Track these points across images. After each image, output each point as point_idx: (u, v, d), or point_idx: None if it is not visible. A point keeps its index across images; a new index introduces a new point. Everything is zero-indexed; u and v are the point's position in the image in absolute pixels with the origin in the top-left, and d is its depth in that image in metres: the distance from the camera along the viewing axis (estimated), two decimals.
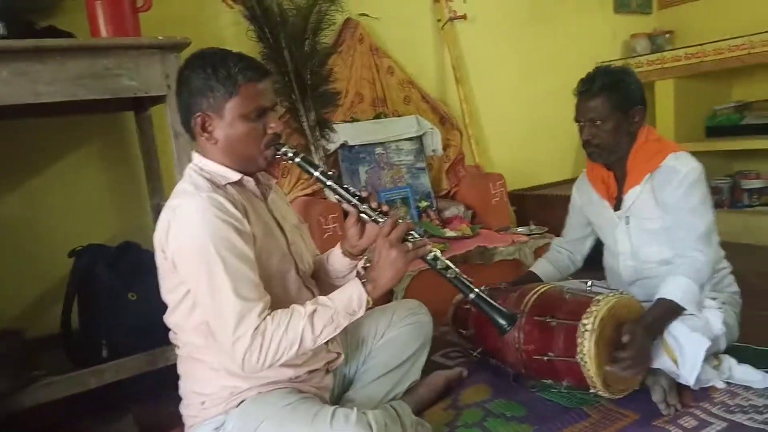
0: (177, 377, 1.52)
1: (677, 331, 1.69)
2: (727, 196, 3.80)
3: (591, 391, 1.67)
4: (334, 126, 2.93)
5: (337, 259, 1.61)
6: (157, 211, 2.29)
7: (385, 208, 1.45)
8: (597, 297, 1.68)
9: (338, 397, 1.68)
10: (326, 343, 1.45)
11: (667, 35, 4.25)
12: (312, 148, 2.85)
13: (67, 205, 2.41)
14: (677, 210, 1.82)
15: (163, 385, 1.76)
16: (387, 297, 2.35)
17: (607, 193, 2.00)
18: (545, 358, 1.70)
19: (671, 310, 1.71)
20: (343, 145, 2.98)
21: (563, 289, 1.81)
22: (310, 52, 2.82)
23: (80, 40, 1.88)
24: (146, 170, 2.42)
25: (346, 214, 1.54)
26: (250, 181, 1.46)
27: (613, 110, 1.86)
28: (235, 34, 2.78)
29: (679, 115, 3.88)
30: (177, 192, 1.40)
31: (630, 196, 1.92)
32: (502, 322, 1.44)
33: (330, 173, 1.47)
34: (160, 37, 1.85)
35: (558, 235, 2.33)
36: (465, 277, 1.44)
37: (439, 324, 2.01)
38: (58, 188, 2.39)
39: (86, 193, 2.46)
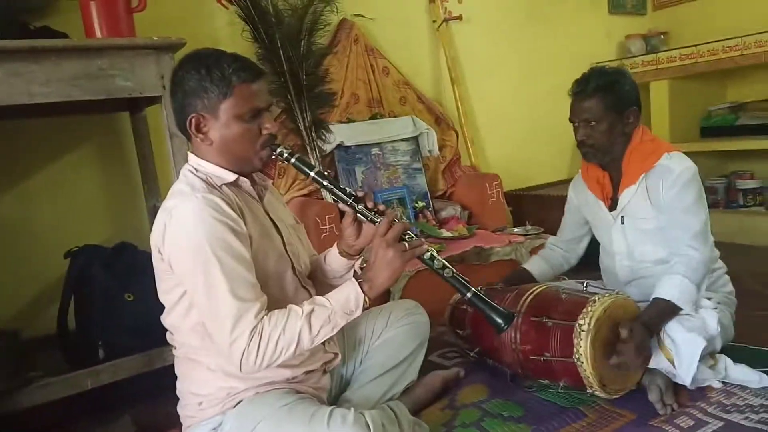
0: (174, 378, 1.51)
1: (673, 331, 1.70)
2: (722, 197, 3.81)
3: (588, 391, 1.67)
4: (330, 127, 2.93)
5: (334, 259, 1.61)
6: (153, 211, 2.30)
7: (381, 207, 1.45)
8: (593, 297, 1.68)
9: (336, 397, 1.68)
10: (323, 343, 1.45)
11: (661, 36, 4.26)
12: (308, 148, 2.85)
13: (62, 205, 2.40)
14: (671, 209, 1.83)
15: (160, 386, 1.76)
16: (384, 297, 2.35)
17: (602, 194, 2.00)
18: (542, 358, 1.70)
19: (667, 310, 1.72)
20: (339, 146, 2.98)
21: (559, 289, 1.82)
22: (306, 53, 2.82)
23: (75, 40, 1.88)
24: (142, 171, 2.41)
25: (342, 214, 1.54)
26: (245, 182, 1.46)
27: (607, 111, 1.87)
28: (230, 34, 2.78)
29: (674, 116, 3.89)
30: (173, 193, 1.40)
31: (625, 196, 1.93)
32: (499, 320, 1.44)
33: (326, 173, 1.47)
34: (155, 38, 1.85)
35: (554, 235, 2.34)
36: (462, 276, 1.44)
37: (436, 324, 2.01)
38: (54, 189, 2.38)
39: (82, 193, 2.46)
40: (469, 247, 2.79)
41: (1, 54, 1.64)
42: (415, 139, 3.23)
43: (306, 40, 2.82)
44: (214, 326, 1.32)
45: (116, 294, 2.00)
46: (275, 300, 1.38)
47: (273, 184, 1.61)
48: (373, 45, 3.23)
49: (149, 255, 1.41)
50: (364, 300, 1.38)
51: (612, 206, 1.99)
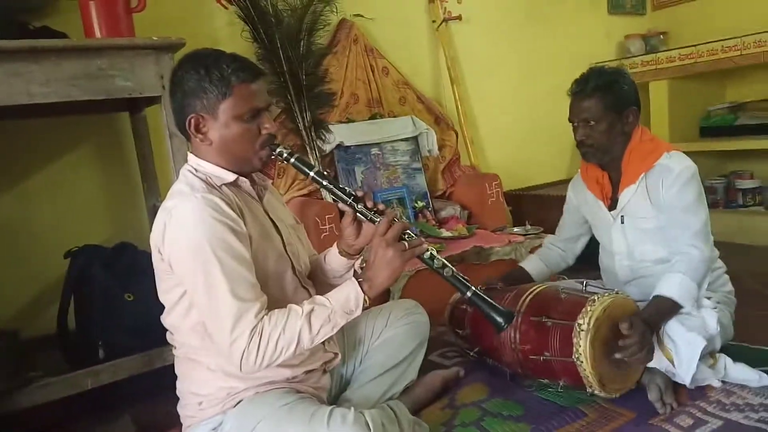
0: (174, 377, 1.51)
1: (673, 330, 1.70)
2: (721, 197, 3.81)
3: (587, 390, 1.67)
4: (330, 127, 2.94)
5: (334, 259, 1.61)
6: (152, 211, 2.29)
7: (381, 207, 1.45)
8: (592, 297, 1.68)
9: (335, 397, 1.68)
10: (323, 343, 1.45)
11: (661, 36, 4.26)
12: (308, 148, 2.85)
13: (62, 205, 2.40)
14: (671, 208, 1.83)
15: (160, 386, 1.76)
16: (384, 297, 2.35)
17: (602, 194, 2.00)
18: (541, 358, 1.70)
19: (667, 307, 1.72)
20: (339, 146, 2.98)
21: (559, 289, 1.82)
22: (305, 53, 2.82)
23: (74, 40, 1.88)
24: (142, 171, 2.41)
25: (342, 214, 1.54)
26: (245, 182, 1.46)
27: (606, 111, 1.87)
28: (229, 34, 2.78)
29: (673, 116, 3.90)
30: (172, 193, 1.40)
31: (625, 196, 1.93)
32: (499, 319, 1.44)
33: (325, 173, 1.47)
34: (154, 38, 1.85)
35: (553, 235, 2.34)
36: (461, 275, 1.44)
37: (435, 324, 2.01)
38: (54, 189, 2.39)
39: (82, 193, 2.46)
40: (469, 247, 2.79)
41: (1, 54, 1.64)
42: (415, 139, 3.23)
43: (305, 40, 2.82)
44: (214, 326, 1.32)
45: (116, 294, 2.00)
46: (275, 300, 1.38)
47: (273, 184, 1.61)
48: (373, 45, 3.23)
49: (149, 255, 1.42)
50: (364, 299, 1.38)
51: (612, 206, 1.99)
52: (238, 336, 1.28)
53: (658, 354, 1.69)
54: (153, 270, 1.42)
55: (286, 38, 2.75)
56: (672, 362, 1.68)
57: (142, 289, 1.94)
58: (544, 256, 2.24)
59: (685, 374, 1.66)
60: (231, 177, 1.42)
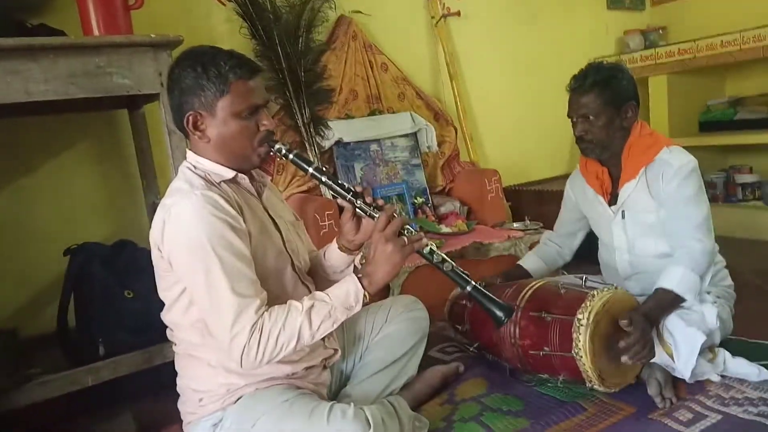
0: (174, 374, 1.52)
1: (673, 325, 1.70)
2: (721, 191, 3.81)
3: (587, 385, 1.67)
4: (329, 123, 2.93)
5: (334, 255, 1.61)
6: (152, 209, 2.30)
7: (380, 202, 1.45)
8: (592, 292, 1.68)
9: (336, 393, 1.69)
10: (323, 339, 1.46)
11: (660, 31, 4.26)
12: (307, 145, 2.85)
13: (61, 203, 2.40)
14: (673, 202, 1.83)
15: (160, 383, 1.76)
16: (384, 293, 2.35)
17: (602, 189, 2.00)
18: (541, 353, 1.70)
19: (669, 300, 1.72)
20: (338, 142, 2.97)
21: (558, 284, 1.82)
22: (304, 49, 2.82)
23: (72, 38, 1.87)
24: (141, 168, 2.41)
25: (341, 210, 1.54)
26: (244, 179, 1.46)
27: (605, 106, 1.87)
28: (228, 31, 2.77)
29: (672, 111, 3.90)
30: (171, 190, 1.40)
31: (625, 191, 1.93)
32: (499, 313, 1.44)
33: (324, 169, 1.47)
34: (152, 35, 1.85)
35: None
36: (461, 269, 1.44)
37: (435, 319, 2.01)
38: (53, 187, 2.38)
39: (81, 191, 2.45)
40: (468, 243, 2.79)
41: None
42: (414, 135, 3.22)
43: (304, 36, 2.82)
44: (214, 323, 1.32)
45: (116, 291, 2.00)
46: (275, 297, 1.38)
47: (272, 180, 1.61)
48: (372, 41, 3.22)
49: (149, 252, 1.42)
50: (364, 295, 1.38)
51: (611, 201, 1.99)
52: (239, 332, 1.28)
53: (657, 349, 1.70)
54: (152, 267, 1.43)
55: (285, 35, 2.74)
56: (671, 357, 1.68)
57: (142, 286, 1.94)
58: (542, 253, 2.24)
59: (684, 369, 1.66)
60: (230, 174, 1.42)
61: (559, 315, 1.69)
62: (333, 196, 1.52)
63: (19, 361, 1.93)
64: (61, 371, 1.82)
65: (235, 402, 1.42)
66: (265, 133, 1.42)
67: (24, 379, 1.77)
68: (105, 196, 2.52)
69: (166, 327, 1.50)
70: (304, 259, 1.59)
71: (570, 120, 1.95)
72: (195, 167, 1.42)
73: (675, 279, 1.72)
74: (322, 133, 2.90)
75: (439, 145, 3.32)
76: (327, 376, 1.59)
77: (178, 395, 1.51)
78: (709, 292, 1.85)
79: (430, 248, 1.43)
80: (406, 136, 3.20)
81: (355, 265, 1.62)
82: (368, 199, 1.45)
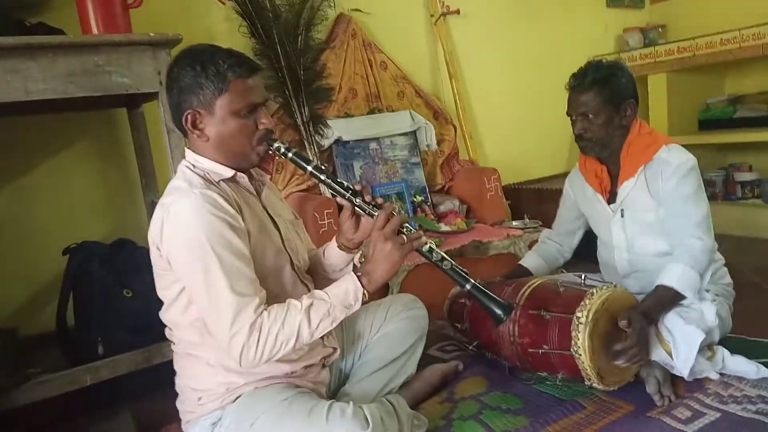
0: (173, 373, 1.52)
1: (672, 323, 1.70)
2: (720, 189, 3.82)
3: (586, 383, 1.68)
4: (328, 122, 2.93)
5: (333, 254, 1.61)
6: (151, 208, 2.29)
7: (379, 201, 1.45)
8: (591, 290, 1.68)
9: (335, 391, 1.69)
10: (322, 337, 1.46)
11: (659, 29, 4.26)
12: (306, 143, 2.85)
13: (60, 202, 2.40)
14: (672, 200, 1.83)
15: (159, 382, 1.76)
16: (383, 291, 2.35)
17: (601, 187, 2.00)
18: (540, 351, 1.70)
19: (668, 297, 1.72)
20: (338, 141, 2.98)
21: (557, 282, 1.82)
22: (303, 48, 2.82)
23: (71, 37, 1.87)
24: (139, 167, 2.41)
25: (341, 208, 1.54)
26: (243, 178, 1.46)
27: (604, 104, 1.87)
28: (227, 29, 2.77)
29: (672, 109, 3.90)
30: (170, 189, 1.40)
31: (624, 189, 1.93)
32: (498, 311, 1.44)
33: (323, 168, 1.47)
34: (151, 34, 1.84)
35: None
36: (460, 268, 1.44)
37: (434, 318, 2.01)
38: (51, 186, 2.38)
39: (79, 190, 2.45)
40: (468, 241, 2.79)
41: None
42: (414, 134, 3.23)
43: (303, 35, 2.82)
44: (213, 322, 1.32)
45: (115, 290, 2.00)
46: (274, 295, 1.38)
47: (271, 179, 1.61)
48: (371, 40, 3.22)
49: (148, 251, 1.42)
50: (363, 293, 1.38)
51: (611, 199, 1.99)
52: (238, 331, 1.28)
53: (656, 347, 1.70)
54: (151, 266, 1.42)
55: (284, 33, 2.74)
56: (670, 355, 1.68)
57: (141, 285, 1.94)
58: (543, 252, 2.24)
59: (683, 366, 1.66)
60: (229, 173, 1.42)
61: (559, 313, 1.69)
62: (332, 195, 1.52)
63: (19, 360, 1.93)
64: (60, 370, 1.82)
65: (234, 401, 1.42)
66: (264, 131, 1.42)
67: (23, 378, 1.77)
68: (104, 194, 2.52)
69: (165, 326, 1.50)
70: (303, 258, 1.59)
71: (569, 118, 1.95)
72: (194, 166, 1.42)
73: (675, 276, 1.72)
74: (322, 132, 2.90)
75: (439, 143, 3.32)
76: (326, 375, 1.59)
77: (177, 394, 1.51)
78: (708, 290, 1.85)
79: (430, 246, 1.43)
80: (405, 134, 3.20)
81: (354, 264, 1.62)
82: (367, 198, 1.44)
